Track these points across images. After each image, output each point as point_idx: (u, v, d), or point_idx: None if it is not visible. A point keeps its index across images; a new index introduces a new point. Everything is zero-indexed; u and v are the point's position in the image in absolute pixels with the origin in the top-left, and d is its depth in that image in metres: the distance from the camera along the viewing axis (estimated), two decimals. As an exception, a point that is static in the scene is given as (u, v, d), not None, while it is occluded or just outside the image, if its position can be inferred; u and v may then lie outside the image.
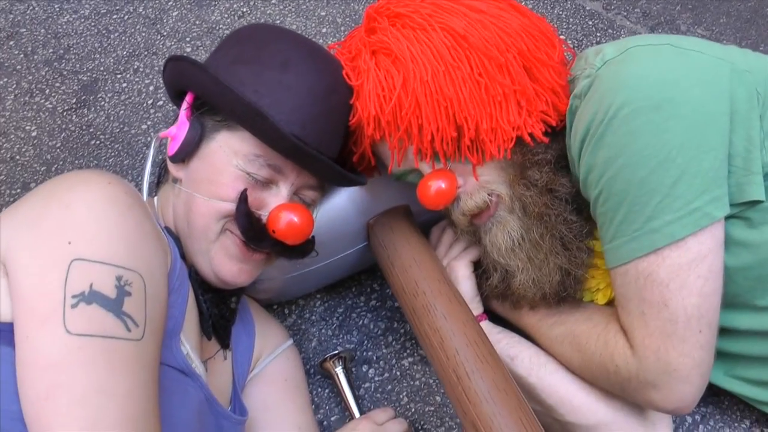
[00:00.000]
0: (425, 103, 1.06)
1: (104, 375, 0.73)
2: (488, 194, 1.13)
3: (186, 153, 1.06)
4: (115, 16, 2.13)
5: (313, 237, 1.13)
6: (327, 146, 1.08)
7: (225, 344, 1.12)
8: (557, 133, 1.12)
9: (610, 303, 1.16)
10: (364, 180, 1.17)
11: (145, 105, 1.86)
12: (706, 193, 0.96)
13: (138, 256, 0.82)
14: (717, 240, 0.98)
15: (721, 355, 1.13)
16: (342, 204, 1.29)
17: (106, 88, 1.91)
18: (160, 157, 1.20)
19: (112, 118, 1.83)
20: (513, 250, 1.14)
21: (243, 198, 1.01)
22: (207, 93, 1.05)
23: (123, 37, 2.06)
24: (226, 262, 1.05)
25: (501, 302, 1.26)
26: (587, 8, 2.15)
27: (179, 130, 1.08)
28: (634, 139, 0.96)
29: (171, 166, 1.10)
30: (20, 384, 0.73)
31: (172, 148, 1.08)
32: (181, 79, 1.09)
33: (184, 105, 1.09)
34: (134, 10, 2.14)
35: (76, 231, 0.78)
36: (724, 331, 1.09)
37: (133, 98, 1.88)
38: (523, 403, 1.00)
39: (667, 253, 0.97)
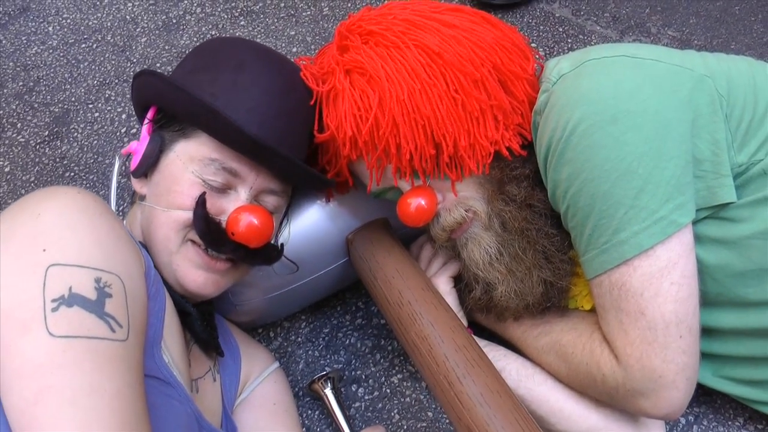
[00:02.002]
0: (402, 123, 1.06)
1: (92, 375, 0.71)
2: (465, 210, 1.13)
3: (146, 167, 1.07)
4: (83, 45, 2.11)
5: (282, 245, 1.12)
6: (288, 146, 1.07)
7: (219, 351, 1.11)
8: (533, 151, 1.12)
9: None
10: (331, 181, 1.16)
11: (118, 134, 1.84)
12: (670, 201, 0.97)
13: (114, 258, 0.81)
14: (686, 245, 0.99)
15: (708, 357, 1.13)
16: (319, 220, 1.28)
17: (78, 118, 1.89)
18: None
19: (85, 149, 1.81)
20: (491, 264, 1.14)
21: (200, 202, 1.01)
22: (163, 99, 1.06)
23: (93, 66, 2.04)
24: (190, 272, 1.04)
25: (485, 315, 1.26)
26: (557, 15, 2.16)
27: (140, 145, 1.08)
28: (594, 153, 0.97)
29: (135, 183, 1.10)
30: (6, 395, 0.70)
31: (134, 163, 1.08)
32: (142, 92, 1.10)
33: (146, 120, 1.09)
34: (102, 38, 2.13)
35: (50, 238, 0.76)
36: (709, 332, 1.10)
37: (106, 127, 1.86)
38: (519, 405, 1.00)
39: (638, 263, 0.98)
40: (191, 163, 1.03)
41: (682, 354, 0.97)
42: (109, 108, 1.91)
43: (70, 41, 2.13)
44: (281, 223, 1.21)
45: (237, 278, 1.13)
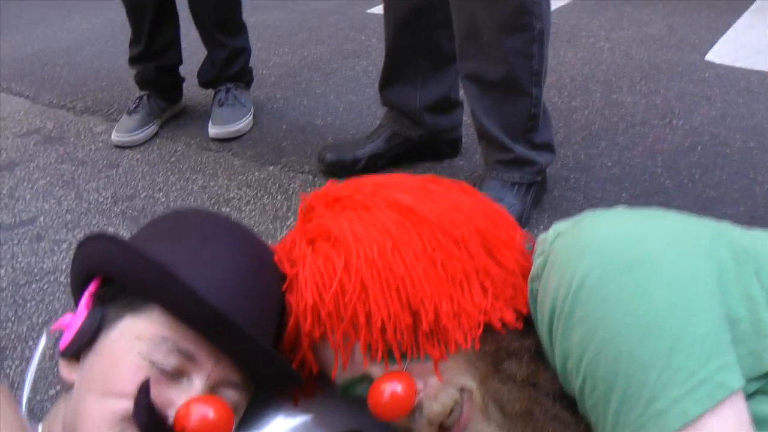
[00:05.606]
0: (372, 285, 0.90)
1: None
2: (458, 390, 0.92)
3: (80, 346, 0.88)
4: (33, 287, 1.97)
5: None
6: (254, 330, 0.88)
7: None
8: (531, 324, 0.95)
9: None
10: (299, 377, 0.96)
11: (55, 371, 1.63)
12: (711, 361, 0.76)
13: None
14: (742, 418, 0.77)
15: None
16: (280, 433, 1.07)
17: (15, 355, 1.70)
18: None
19: (16, 386, 1.60)
20: None
21: (143, 388, 0.81)
22: (111, 264, 0.90)
23: (40, 306, 1.89)
24: None
25: None
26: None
27: (75, 319, 0.90)
28: (610, 307, 0.79)
29: (63, 369, 0.91)
30: None
31: (64, 341, 0.89)
32: (87, 258, 0.94)
33: (85, 295, 0.92)
34: (55, 280, 1.99)
35: None
36: None
37: (42, 364, 1.66)
38: None
39: None
40: (138, 342, 0.86)
41: None
42: (49, 346, 1.72)
43: (20, 282, 1.99)
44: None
45: None
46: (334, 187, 1.04)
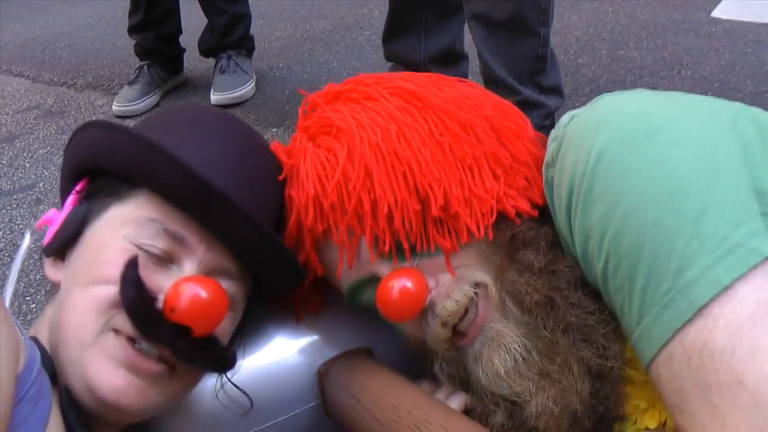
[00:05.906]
0: (377, 170, 0.85)
1: None
2: (472, 286, 0.86)
3: (63, 239, 0.83)
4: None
5: (234, 352, 0.86)
6: (251, 211, 0.82)
7: None
8: (547, 218, 0.89)
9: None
10: (301, 269, 0.90)
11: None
12: (741, 226, 0.69)
13: None
14: None
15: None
16: (284, 351, 1.03)
17: (12, 310, 1.66)
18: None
19: (14, 337, 1.56)
20: (517, 371, 0.83)
21: (131, 263, 0.76)
22: (98, 149, 0.85)
23: (38, 264, 1.85)
24: (106, 371, 0.76)
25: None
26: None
27: (58, 216, 0.86)
28: (631, 178, 0.73)
29: (48, 268, 0.86)
30: None
31: (48, 236, 0.84)
32: (72, 154, 0.89)
33: (72, 193, 0.88)
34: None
35: None
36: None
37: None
38: None
39: (717, 310, 0.67)
40: (124, 227, 0.81)
41: None
42: (50, 298, 1.69)
43: (18, 243, 1.96)
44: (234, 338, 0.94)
45: (170, 397, 0.83)
46: (333, 86, 1.00)
